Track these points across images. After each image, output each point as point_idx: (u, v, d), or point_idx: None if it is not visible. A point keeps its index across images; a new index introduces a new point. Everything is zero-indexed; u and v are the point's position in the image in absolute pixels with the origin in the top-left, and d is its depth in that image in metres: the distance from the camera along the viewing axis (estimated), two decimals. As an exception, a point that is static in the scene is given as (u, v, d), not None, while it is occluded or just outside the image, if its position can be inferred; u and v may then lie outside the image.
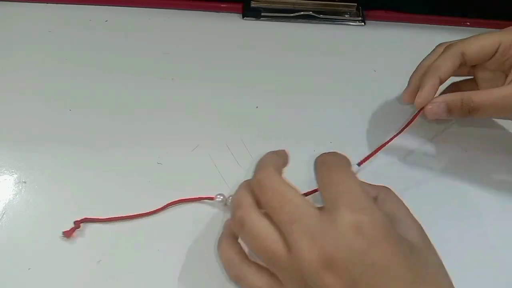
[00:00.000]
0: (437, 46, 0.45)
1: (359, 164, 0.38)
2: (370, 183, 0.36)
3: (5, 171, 0.41)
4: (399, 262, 0.28)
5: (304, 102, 0.49)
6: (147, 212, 0.39)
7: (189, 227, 0.38)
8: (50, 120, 0.45)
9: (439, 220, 0.41)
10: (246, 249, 0.33)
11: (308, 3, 0.59)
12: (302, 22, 0.59)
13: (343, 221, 0.28)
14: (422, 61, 0.46)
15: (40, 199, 0.39)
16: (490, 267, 0.38)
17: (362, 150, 0.43)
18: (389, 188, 0.35)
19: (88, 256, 0.36)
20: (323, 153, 0.34)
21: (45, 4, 0.57)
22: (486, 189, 0.43)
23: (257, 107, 0.48)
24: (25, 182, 0.40)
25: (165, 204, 0.39)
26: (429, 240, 0.32)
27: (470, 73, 0.45)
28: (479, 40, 0.42)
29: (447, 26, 0.60)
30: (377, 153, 0.41)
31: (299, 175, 0.37)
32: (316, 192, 0.38)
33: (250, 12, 0.58)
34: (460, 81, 0.46)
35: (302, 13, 0.59)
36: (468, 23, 0.60)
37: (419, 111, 0.42)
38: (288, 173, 0.41)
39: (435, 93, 0.41)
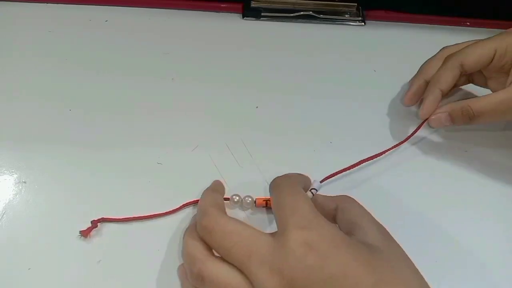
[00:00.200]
0: (441, 49, 0.46)
1: (321, 181, 0.39)
2: (330, 195, 0.37)
3: (5, 171, 0.41)
4: (357, 268, 0.29)
5: (304, 102, 0.49)
6: (162, 213, 0.39)
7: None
8: (50, 120, 0.45)
9: (439, 220, 0.41)
10: None
11: (308, 3, 0.59)
12: (302, 22, 0.59)
13: (293, 241, 0.29)
14: (423, 64, 0.46)
15: (40, 199, 0.39)
16: (490, 268, 0.38)
17: (362, 150, 0.43)
18: (348, 197, 0.36)
19: (87, 256, 0.36)
20: (276, 177, 0.35)
21: (45, 4, 0.57)
22: (486, 189, 0.43)
23: (257, 107, 0.48)
24: (25, 182, 0.40)
25: (181, 205, 0.39)
26: (393, 240, 0.32)
27: (469, 80, 0.47)
28: (477, 49, 0.43)
29: (447, 26, 0.60)
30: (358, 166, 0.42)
31: (299, 175, 0.37)
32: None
33: (250, 12, 0.58)
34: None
35: (302, 13, 0.59)
36: (468, 23, 0.60)
37: (422, 122, 0.44)
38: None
39: (438, 104, 0.43)
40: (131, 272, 0.36)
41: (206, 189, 0.38)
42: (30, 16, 0.56)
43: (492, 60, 0.42)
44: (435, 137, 0.47)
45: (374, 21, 0.59)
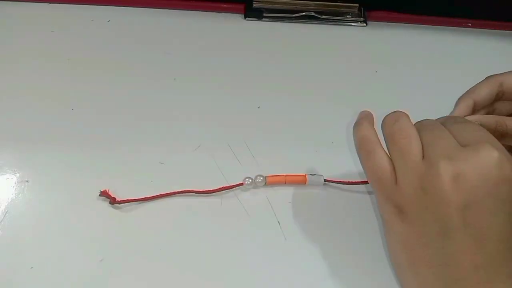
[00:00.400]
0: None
1: (325, 180, 0.40)
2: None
3: (8, 170, 0.41)
4: None
5: (305, 102, 0.49)
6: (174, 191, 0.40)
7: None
8: (53, 120, 0.45)
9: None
10: None
11: (310, 4, 0.59)
12: (304, 23, 0.59)
13: (488, 155, 0.31)
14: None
15: (43, 198, 0.40)
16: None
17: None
18: None
19: (90, 255, 0.36)
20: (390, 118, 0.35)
21: (48, 4, 0.57)
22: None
23: (259, 107, 0.48)
24: (27, 181, 0.40)
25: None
26: None
27: None
28: None
29: (449, 27, 0.60)
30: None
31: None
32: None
33: (252, 12, 0.58)
34: None
35: (304, 13, 0.59)
36: (470, 24, 0.60)
37: None
38: (290, 173, 0.41)
39: (468, 113, 0.40)
40: (133, 272, 0.36)
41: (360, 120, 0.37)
42: (32, 16, 0.56)
43: None
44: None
45: (376, 22, 0.59)
